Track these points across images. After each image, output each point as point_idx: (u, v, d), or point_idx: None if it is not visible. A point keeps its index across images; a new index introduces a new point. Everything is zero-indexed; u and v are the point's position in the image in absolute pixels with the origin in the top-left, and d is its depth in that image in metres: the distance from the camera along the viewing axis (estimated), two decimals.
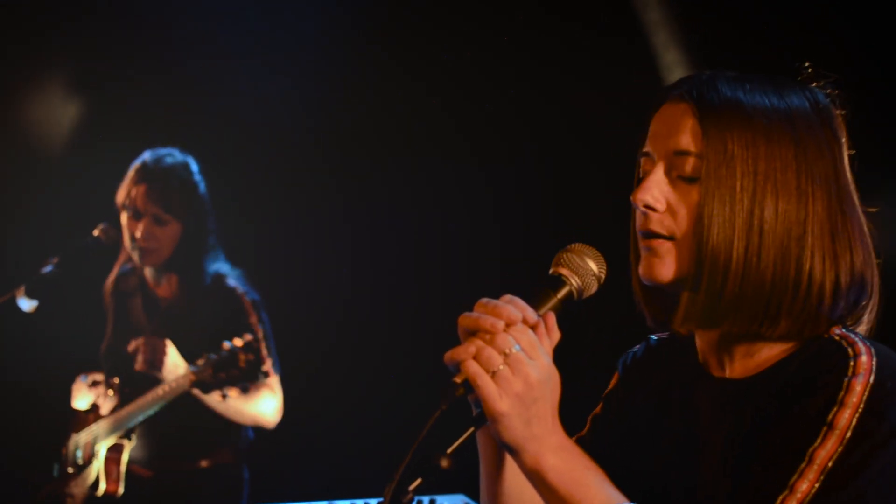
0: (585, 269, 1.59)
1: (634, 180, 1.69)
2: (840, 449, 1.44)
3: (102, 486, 3.66)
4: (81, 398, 3.93)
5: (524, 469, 1.51)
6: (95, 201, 4.22)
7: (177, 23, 4.59)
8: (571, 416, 1.81)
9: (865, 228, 1.61)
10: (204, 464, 3.76)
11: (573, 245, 1.61)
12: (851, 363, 1.49)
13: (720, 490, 1.57)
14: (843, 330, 1.57)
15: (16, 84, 4.70)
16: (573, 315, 1.68)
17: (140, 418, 3.64)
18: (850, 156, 1.64)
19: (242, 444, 3.84)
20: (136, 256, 3.79)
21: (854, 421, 1.45)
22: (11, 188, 4.69)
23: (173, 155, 3.84)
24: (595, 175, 3.57)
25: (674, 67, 3.58)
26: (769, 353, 1.60)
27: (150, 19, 4.60)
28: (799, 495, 1.44)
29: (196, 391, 3.55)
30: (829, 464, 1.44)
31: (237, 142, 4.41)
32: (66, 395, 3.97)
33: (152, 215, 3.76)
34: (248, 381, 3.55)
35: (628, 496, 1.50)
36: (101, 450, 3.69)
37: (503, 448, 1.52)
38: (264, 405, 3.74)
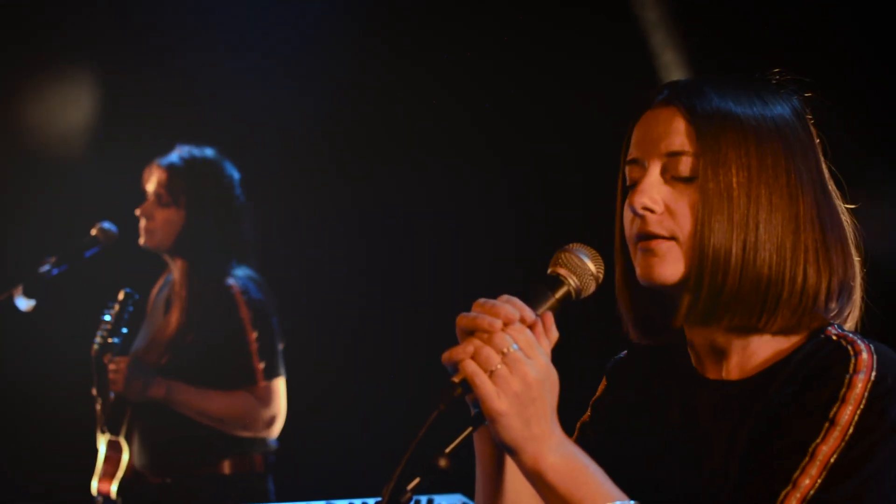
0: (583, 268, 1.59)
1: (618, 190, 1.70)
2: (842, 445, 1.45)
3: (95, 485, 3.64)
4: None
5: (523, 469, 1.50)
6: (94, 201, 4.23)
7: (181, 23, 4.59)
8: (570, 416, 1.81)
9: (847, 226, 1.64)
10: (225, 469, 3.71)
11: (571, 245, 1.61)
12: (852, 360, 1.50)
13: (722, 489, 1.57)
14: (839, 329, 1.58)
15: (15, 83, 4.70)
16: (572, 314, 1.69)
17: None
18: (825, 157, 1.66)
19: (264, 450, 3.78)
20: (140, 238, 3.79)
21: (856, 417, 1.46)
22: (10, 188, 4.69)
23: (202, 149, 3.84)
24: (593, 175, 3.58)
25: (671, 67, 3.59)
26: (766, 354, 1.61)
27: (153, 19, 4.60)
28: (801, 490, 1.45)
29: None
30: (832, 459, 1.45)
31: (239, 143, 4.41)
32: (64, 395, 3.97)
33: (156, 195, 3.77)
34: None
35: (628, 495, 1.50)
36: (101, 447, 3.68)
37: (502, 448, 1.52)
38: (241, 408, 3.67)
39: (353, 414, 4.47)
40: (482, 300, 1.51)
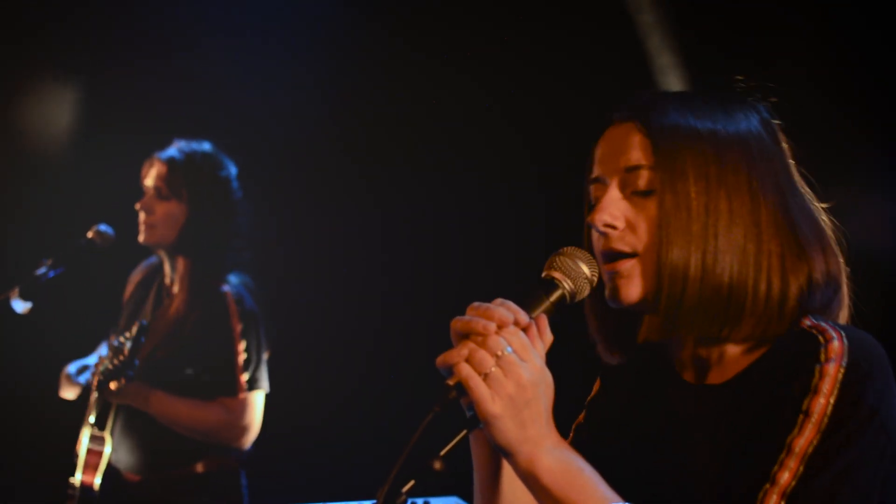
0: (578, 272, 1.60)
1: (585, 209, 1.71)
2: (818, 436, 1.45)
3: (79, 476, 3.64)
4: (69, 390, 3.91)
5: (518, 471, 1.51)
6: (90, 203, 4.22)
7: (178, 22, 4.59)
8: (565, 418, 1.82)
9: (822, 224, 1.64)
10: (196, 469, 3.73)
11: (565, 248, 1.62)
12: (822, 349, 1.49)
13: (707, 487, 1.58)
14: (814, 319, 1.57)
15: (13, 84, 4.70)
16: (566, 317, 1.69)
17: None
18: (798, 158, 1.66)
19: (235, 452, 3.80)
20: (140, 235, 3.79)
21: (829, 407, 1.45)
22: (6, 190, 4.68)
23: (199, 143, 3.84)
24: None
25: (667, 70, 3.59)
26: (745, 357, 1.61)
27: (150, 18, 4.60)
28: (781, 485, 1.45)
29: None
30: (809, 451, 1.45)
31: (236, 141, 4.40)
32: (60, 397, 3.96)
33: (155, 188, 3.76)
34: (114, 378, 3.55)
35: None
36: (84, 439, 3.68)
37: (497, 450, 1.52)
38: (214, 422, 3.66)
39: (348, 416, 4.47)
40: (476, 303, 1.52)
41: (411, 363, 3.17)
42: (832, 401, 1.45)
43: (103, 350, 3.88)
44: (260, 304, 3.81)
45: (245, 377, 3.69)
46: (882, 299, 1.73)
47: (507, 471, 1.63)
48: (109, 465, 3.67)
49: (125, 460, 3.72)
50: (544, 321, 1.55)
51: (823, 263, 1.60)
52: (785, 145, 1.66)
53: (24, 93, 4.76)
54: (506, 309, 1.51)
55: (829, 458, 1.44)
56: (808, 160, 1.68)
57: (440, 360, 1.49)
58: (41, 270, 3.82)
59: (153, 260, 4.01)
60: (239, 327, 3.70)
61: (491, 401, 1.45)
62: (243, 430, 3.70)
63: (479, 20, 4.15)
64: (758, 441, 1.49)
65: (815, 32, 3.21)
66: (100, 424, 3.65)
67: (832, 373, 1.47)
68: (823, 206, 1.67)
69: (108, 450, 3.63)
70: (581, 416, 1.85)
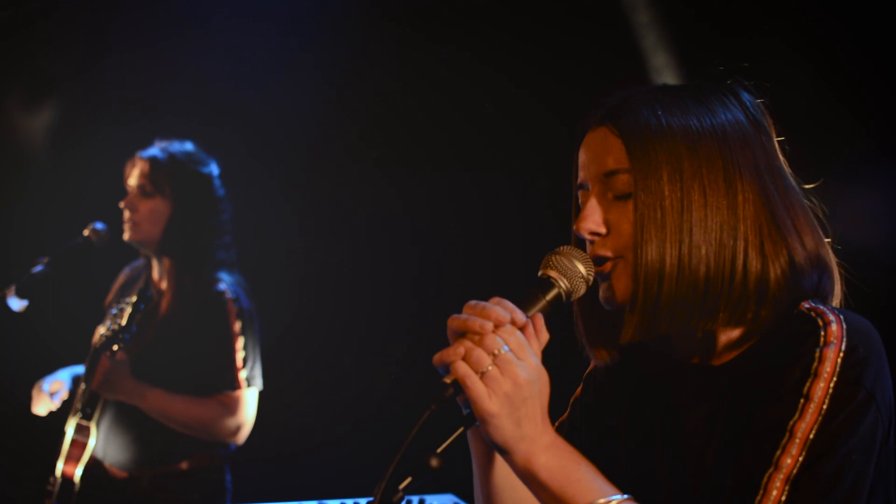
0: (574, 271, 1.61)
1: (572, 214, 1.72)
2: (819, 420, 1.46)
3: (60, 466, 3.64)
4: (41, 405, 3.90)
5: (515, 469, 1.52)
6: (86, 201, 4.22)
7: (169, 22, 4.59)
8: (561, 412, 1.83)
9: (805, 206, 1.64)
10: (183, 466, 3.74)
11: (562, 248, 1.63)
12: (822, 333, 1.51)
13: (707, 473, 1.59)
14: (812, 303, 1.58)
15: (5, 82, 4.69)
16: (562, 316, 1.70)
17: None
18: (780, 142, 1.67)
19: (223, 449, 3.80)
20: (125, 233, 3.79)
21: (830, 390, 1.47)
22: (3, 187, 4.68)
23: (181, 143, 3.86)
24: None
25: (663, 70, 3.60)
26: (745, 339, 1.63)
27: (142, 17, 4.60)
28: (784, 471, 1.46)
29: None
30: (811, 436, 1.46)
31: (234, 140, 4.41)
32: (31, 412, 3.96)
33: (139, 186, 3.78)
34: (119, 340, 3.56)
35: (614, 483, 1.51)
36: (70, 430, 3.68)
37: (494, 449, 1.53)
38: (209, 417, 3.67)
39: (345, 414, 4.47)
40: (473, 302, 1.53)
41: (408, 361, 3.18)
42: (832, 385, 1.47)
43: (78, 369, 3.88)
44: (254, 303, 3.83)
45: (243, 375, 3.70)
46: (875, 285, 1.73)
47: (506, 468, 1.64)
48: (94, 460, 3.67)
49: (112, 456, 3.72)
50: (540, 320, 1.55)
51: (806, 245, 1.60)
52: (769, 125, 1.66)
53: (16, 91, 4.75)
54: (502, 308, 1.52)
55: (830, 442, 1.45)
56: (802, 156, 1.68)
57: (437, 358, 1.50)
58: (37, 268, 3.82)
59: (137, 263, 4.02)
60: (237, 326, 3.71)
61: (488, 399, 1.46)
62: (239, 426, 3.72)
63: (474, 19, 4.15)
64: (759, 424, 1.50)
65: (810, 31, 3.21)
66: (86, 414, 3.65)
67: (832, 357, 1.48)
68: (808, 186, 1.68)
69: (92, 441, 3.64)
70: (578, 391, 1.86)
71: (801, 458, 1.45)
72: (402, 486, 1.44)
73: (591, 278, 1.63)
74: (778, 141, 1.67)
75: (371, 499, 1.43)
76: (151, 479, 3.71)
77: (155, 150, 3.81)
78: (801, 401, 1.47)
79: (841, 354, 1.48)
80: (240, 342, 3.71)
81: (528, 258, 1.77)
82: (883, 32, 3.10)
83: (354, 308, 4.62)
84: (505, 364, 1.46)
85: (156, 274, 3.87)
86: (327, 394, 4.52)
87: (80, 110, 4.77)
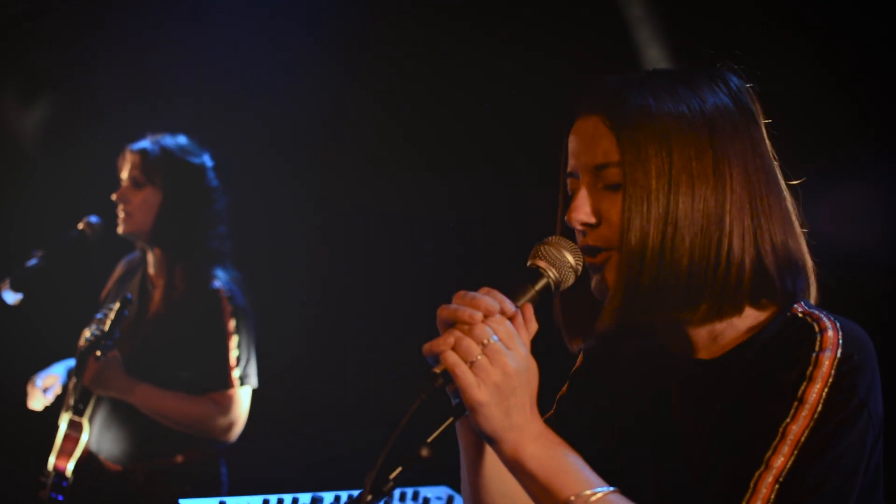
0: (562, 261, 1.61)
1: (560, 199, 1.73)
2: (812, 423, 1.47)
3: (52, 461, 3.65)
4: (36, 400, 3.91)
5: (504, 458, 1.53)
6: (81, 195, 4.22)
7: (166, 17, 4.59)
8: (549, 407, 1.83)
9: (789, 203, 1.65)
10: (178, 459, 3.74)
11: (550, 238, 1.64)
12: (818, 338, 1.52)
13: (695, 469, 1.59)
14: (806, 306, 1.60)
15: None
16: (551, 306, 1.70)
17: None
18: (767, 124, 1.67)
19: (219, 443, 3.80)
20: (118, 226, 3.79)
21: (824, 395, 1.48)
22: None
23: (175, 136, 3.85)
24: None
25: (657, 64, 3.60)
26: (733, 334, 1.63)
27: (140, 12, 4.60)
28: (775, 471, 1.46)
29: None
30: (802, 438, 1.47)
31: (230, 137, 4.40)
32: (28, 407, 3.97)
33: (131, 178, 3.78)
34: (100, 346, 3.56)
35: (602, 477, 1.52)
36: (62, 425, 3.69)
37: (482, 438, 1.54)
38: (201, 415, 3.68)
39: (335, 405, 4.48)
40: (462, 292, 1.54)
41: (397, 351, 3.18)
42: (826, 390, 1.48)
43: (71, 363, 3.89)
44: (249, 299, 3.83)
45: (236, 374, 3.71)
46: (855, 284, 1.74)
47: (494, 459, 1.64)
48: (88, 453, 3.68)
49: (107, 449, 3.73)
50: (530, 310, 1.56)
51: (786, 238, 1.61)
52: (756, 111, 1.66)
53: (11, 84, 4.75)
54: (492, 298, 1.52)
55: (821, 446, 1.46)
56: (791, 148, 1.69)
57: (426, 347, 1.51)
58: (32, 262, 3.82)
59: (132, 256, 4.02)
60: (231, 324, 3.71)
61: (477, 388, 1.47)
62: (230, 424, 3.72)
63: (468, 18, 4.15)
64: (751, 424, 1.51)
65: (805, 25, 3.22)
66: (78, 410, 3.66)
67: (827, 362, 1.49)
68: (795, 182, 1.68)
69: (84, 437, 3.64)
70: (564, 389, 1.87)
71: (791, 460, 1.46)
72: (392, 475, 1.45)
73: (580, 268, 1.63)
74: (765, 124, 1.67)
75: (361, 490, 1.44)
76: (146, 472, 3.72)
77: (146, 143, 3.81)
78: (795, 403, 1.48)
79: (836, 361, 1.49)
80: (233, 341, 3.71)
81: (517, 248, 1.77)
82: (883, 32, 3.10)
83: (348, 301, 4.63)
84: (494, 354, 1.47)
85: (151, 267, 3.87)
86: (320, 386, 4.52)
87: (77, 105, 4.77)
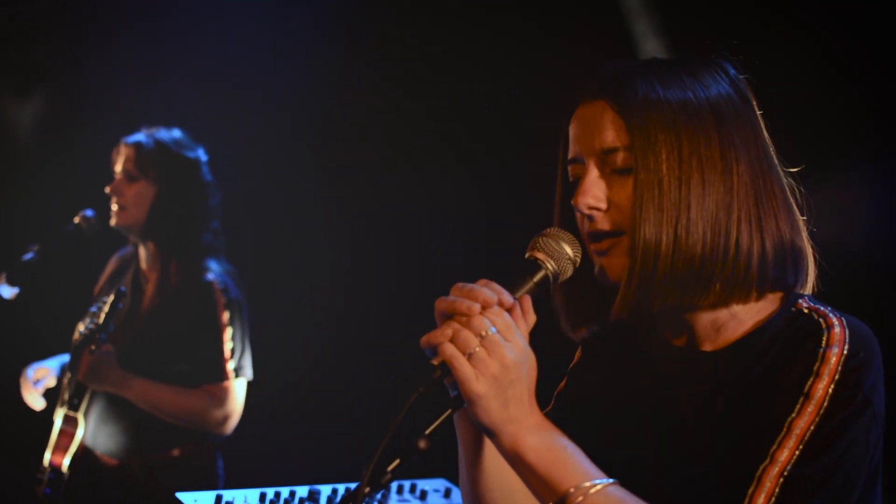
0: (561, 252, 1.61)
1: (557, 189, 1.72)
2: (817, 419, 1.48)
3: (48, 456, 3.64)
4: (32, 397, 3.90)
5: (502, 450, 1.52)
6: (77, 189, 4.22)
7: (163, 11, 4.58)
8: (547, 400, 1.83)
9: (788, 191, 1.65)
10: (175, 453, 3.74)
11: (549, 229, 1.63)
12: (825, 335, 1.52)
13: (698, 461, 1.59)
14: (811, 302, 1.60)
15: None
16: (549, 298, 1.70)
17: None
18: (761, 115, 1.67)
19: (215, 436, 3.80)
20: (112, 219, 3.79)
21: (830, 391, 1.48)
22: None
23: (169, 129, 3.85)
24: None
25: (654, 56, 3.60)
26: (736, 326, 1.63)
27: (137, 7, 4.59)
28: (779, 465, 1.47)
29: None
30: (807, 434, 1.47)
31: (227, 133, 4.40)
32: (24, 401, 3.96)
33: (124, 171, 3.77)
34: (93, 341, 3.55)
35: (603, 470, 1.51)
36: (58, 420, 3.69)
37: (481, 430, 1.53)
38: (196, 408, 3.68)
39: (333, 398, 4.48)
40: (461, 284, 1.53)
41: (395, 344, 3.18)
42: (832, 386, 1.48)
43: (67, 358, 3.89)
44: (243, 291, 3.82)
45: (231, 366, 3.70)
46: (851, 272, 1.74)
47: (492, 451, 1.64)
48: (84, 448, 3.68)
49: (102, 444, 3.72)
50: (528, 302, 1.55)
51: (786, 227, 1.61)
52: (753, 102, 1.67)
53: (6, 80, 4.74)
54: (490, 289, 1.52)
55: (826, 442, 1.47)
56: (790, 141, 1.69)
57: (424, 339, 1.50)
58: (28, 256, 3.82)
59: (125, 251, 4.01)
60: (225, 316, 3.71)
61: (475, 380, 1.46)
62: (226, 417, 3.72)
63: (465, 14, 4.14)
64: (756, 418, 1.52)
65: (801, 19, 3.22)
66: (73, 406, 3.66)
67: (834, 359, 1.50)
68: (793, 170, 1.69)
69: (80, 432, 3.64)
70: (562, 384, 1.87)
71: (796, 455, 1.47)
72: (390, 468, 1.45)
73: (579, 260, 1.63)
74: (760, 114, 1.68)
75: (359, 483, 1.44)
76: (142, 466, 3.72)
77: (141, 136, 3.81)
78: (801, 399, 1.49)
79: (843, 358, 1.50)
80: (228, 333, 3.71)
81: (516, 241, 1.77)
82: (881, 26, 3.10)
83: (345, 296, 4.62)
84: (492, 345, 1.47)
85: (143, 262, 3.87)
86: (318, 379, 4.52)
87: (73, 100, 4.77)
